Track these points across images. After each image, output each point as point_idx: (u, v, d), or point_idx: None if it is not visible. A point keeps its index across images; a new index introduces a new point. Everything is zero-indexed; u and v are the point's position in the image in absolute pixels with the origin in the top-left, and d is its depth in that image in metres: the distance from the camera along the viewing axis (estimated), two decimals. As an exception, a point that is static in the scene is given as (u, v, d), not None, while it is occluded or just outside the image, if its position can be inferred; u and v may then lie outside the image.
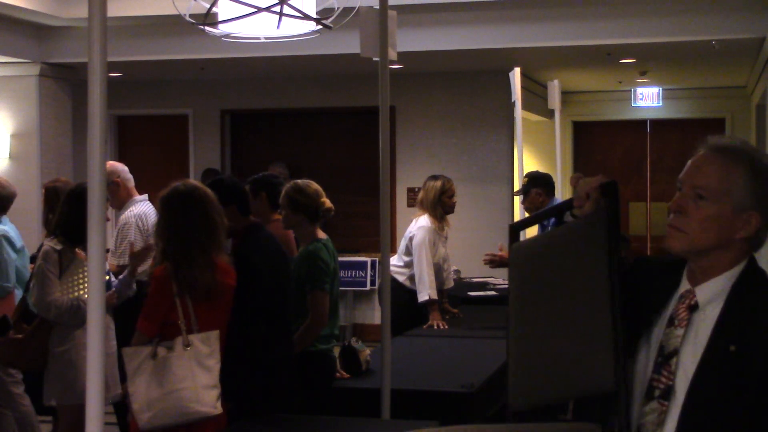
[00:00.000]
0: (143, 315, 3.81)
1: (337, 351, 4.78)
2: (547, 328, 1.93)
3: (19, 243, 5.77)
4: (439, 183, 6.41)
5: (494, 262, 6.06)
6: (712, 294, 1.91)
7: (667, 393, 1.88)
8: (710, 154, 1.94)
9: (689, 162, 1.98)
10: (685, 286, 1.97)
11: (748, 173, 1.90)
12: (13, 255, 5.69)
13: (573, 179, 2.04)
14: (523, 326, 2.00)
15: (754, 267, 1.93)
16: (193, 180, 4.80)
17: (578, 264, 1.91)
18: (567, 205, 2.01)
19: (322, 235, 4.63)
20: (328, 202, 4.63)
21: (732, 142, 1.96)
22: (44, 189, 5.57)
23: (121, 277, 4.83)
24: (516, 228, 2.15)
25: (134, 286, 4.87)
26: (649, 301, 1.98)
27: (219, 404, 3.77)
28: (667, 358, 1.90)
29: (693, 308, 1.92)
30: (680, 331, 1.91)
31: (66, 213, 4.59)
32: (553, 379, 1.90)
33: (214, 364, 3.78)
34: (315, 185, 4.65)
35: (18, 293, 5.54)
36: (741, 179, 1.90)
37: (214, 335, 3.81)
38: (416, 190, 8.27)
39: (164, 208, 3.87)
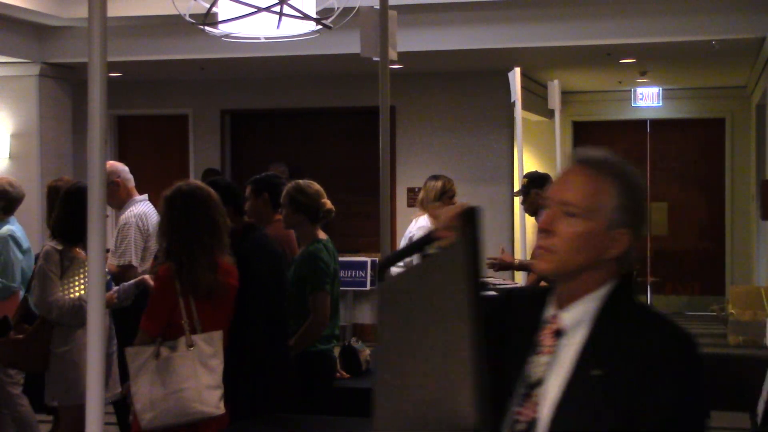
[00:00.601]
0: (146, 314, 3.81)
1: (337, 351, 4.78)
2: (412, 369, 1.81)
3: (25, 244, 5.79)
4: (439, 183, 6.41)
5: (495, 266, 6.06)
6: (578, 317, 1.78)
7: (532, 426, 1.75)
8: (578, 168, 1.81)
9: (556, 177, 1.85)
10: (550, 310, 1.84)
11: (618, 188, 1.78)
12: (19, 255, 5.70)
13: (431, 210, 1.94)
14: (387, 369, 1.89)
15: (623, 287, 1.81)
16: (196, 180, 4.79)
17: (440, 299, 1.78)
18: (430, 237, 1.88)
19: (322, 235, 4.63)
20: (328, 203, 4.63)
21: (600, 155, 1.82)
22: (47, 188, 5.57)
23: (124, 285, 4.78)
24: (383, 265, 2.01)
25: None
26: (521, 333, 1.85)
27: (222, 404, 3.78)
28: (531, 388, 1.78)
29: (559, 333, 1.79)
30: (545, 359, 1.78)
31: (62, 213, 4.58)
32: (417, 420, 1.79)
33: (218, 364, 3.79)
34: (316, 186, 4.65)
35: (24, 293, 5.55)
36: (611, 195, 1.77)
37: (218, 335, 3.81)
38: (416, 190, 8.27)
39: (167, 207, 3.87)
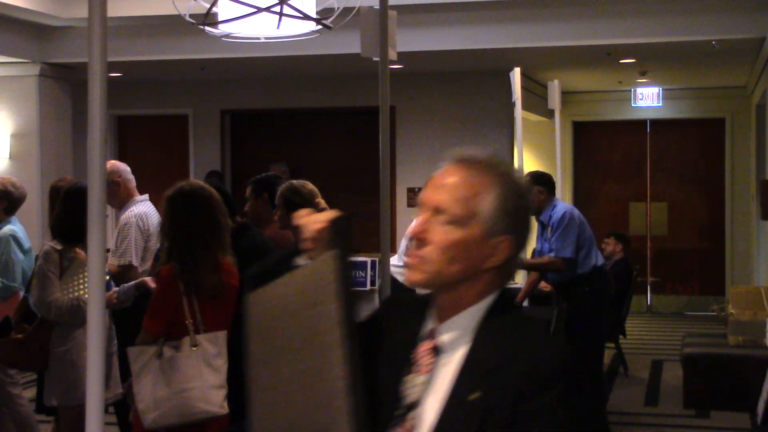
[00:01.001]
0: (149, 314, 3.81)
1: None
2: (283, 392, 1.67)
3: (27, 244, 5.80)
4: (439, 183, 6.41)
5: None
6: (457, 333, 1.62)
7: None
8: (454, 168, 1.64)
9: (430, 179, 1.66)
10: (429, 324, 1.67)
11: (498, 191, 1.61)
12: (20, 255, 5.71)
13: (298, 217, 1.73)
14: (259, 389, 1.73)
15: (504, 300, 1.65)
16: (198, 180, 4.79)
17: (310, 317, 1.62)
18: (296, 249, 1.72)
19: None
20: (323, 203, 4.63)
21: (478, 155, 1.65)
22: (50, 189, 5.57)
23: (125, 286, 4.75)
24: (251, 276, 1.83)
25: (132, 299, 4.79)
26: (399, 348, 1.68)
27: (225, 404, 3.80)
28: (407, 410, 1.61)
29: (437, 350, 1.63)
30: (422, 378, 1.62)
31: (62, 213, 4.58)
32: None
33: (222, 364, 3.80)
34: (310, 186, 4.65)
35: (24, 293, 5.55)
36: (490, 199, 1.60)
37: (222, 335, 3.82)
38: (416, 190, 8.28)
39: (169, 207, 3.87)
